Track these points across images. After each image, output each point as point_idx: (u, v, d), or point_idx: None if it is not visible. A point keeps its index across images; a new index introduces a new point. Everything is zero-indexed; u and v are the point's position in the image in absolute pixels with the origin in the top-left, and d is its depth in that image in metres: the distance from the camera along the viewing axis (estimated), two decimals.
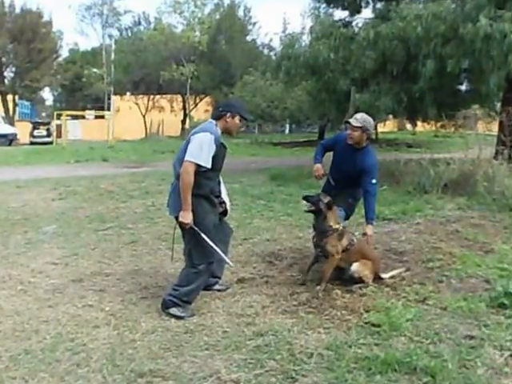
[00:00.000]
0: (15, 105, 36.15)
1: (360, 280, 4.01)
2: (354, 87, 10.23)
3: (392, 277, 4.20)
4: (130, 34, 37.18)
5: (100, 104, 36.72)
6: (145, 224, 6.39)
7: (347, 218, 4.59)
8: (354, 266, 4.00)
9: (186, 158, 3.33)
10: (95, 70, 33.71)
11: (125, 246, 5.36)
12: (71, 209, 7.42)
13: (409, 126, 32.26)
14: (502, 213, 6.72)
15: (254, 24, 38.27)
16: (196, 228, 3.39)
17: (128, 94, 34.72)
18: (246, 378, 2.63)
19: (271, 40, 36.50)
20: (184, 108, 34.69)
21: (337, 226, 4.01)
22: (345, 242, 4.01)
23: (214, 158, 3.39)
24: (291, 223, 6.34)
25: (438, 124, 17.08)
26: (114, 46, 34.45)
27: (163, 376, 2.67)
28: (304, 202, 4.17)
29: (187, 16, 30.38)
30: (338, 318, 3.42)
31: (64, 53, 43.82)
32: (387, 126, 31.96)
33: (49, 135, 27.62)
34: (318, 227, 4.05)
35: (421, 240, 5.48)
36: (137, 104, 33.93)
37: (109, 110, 33.47)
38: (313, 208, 4.05)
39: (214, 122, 3.55)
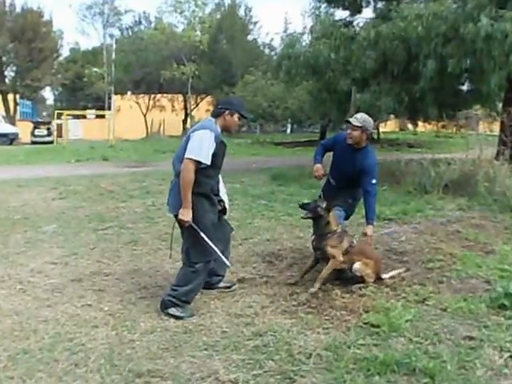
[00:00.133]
0: (16, 104, 36.17)
1: (362, 279, 4.00)
2: (354, 87, 10.23)
3: (392, 277, 4.18)
4: (130, 34, 37.27)
5: (101, 103, 36.75)
6: (145, 224, 6.38)
7: (347, 217, 4.59)
8: (356, 265, 4.00)
9: (186, 156, 3.31)
10: (96, 69, 33.72)
11: (124, 245, 5.35)
12: (71, 208, 7.42)
13: (410, 126, 32.29)
14: (503, 213, 6.71)
15: (255, 24, 38.38)
16: (195, 226, 3.38)
17: (129, 93, 34.77)
18: (244, 379, 2.62)
19: (272, 40, 36.60)
20: (185, 107, 34.72)
21: (335, 228, 4.00)
22: (345, 243, 4.00)
23: (214, 155, 3.37)
24: (292, 223, 6.33)
25: (440, 124, 17.09)
26: (114, 46, 34.43)
27: (161, 376, 2.66)
28: (302, 209, 4.15)
29: (188, 15, 30.42)
30: (337, 318, 3.41)
31: (65, 52, 43.97)
32: (389, 126, 31.97)
33: (49, 135, 27.61)
34: (319, 231, 4.04)
35: (421, 240, 5.47)
36: (137, 103, 33.95)
37: (109, 109, 33.47)
38: (311, 215, 4.04)
39: (213, 119, 3.53)
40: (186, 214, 3.34)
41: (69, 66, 40.86)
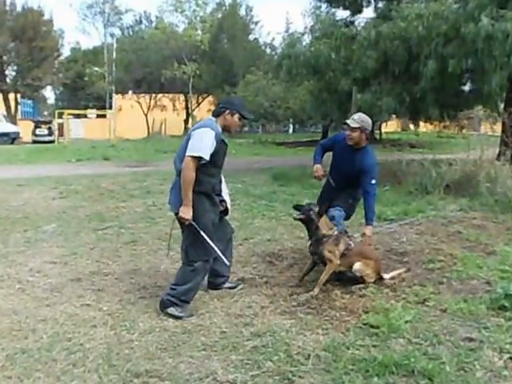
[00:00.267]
0: (17, 103, 36.18)
1: (362, 279, 3.99)
2: (355, 87, 10.21)
3: (392, 278, 4.17)
4: (131, 33, 37.28)
5: (102, 103, 36.77)
6: (145, 224, 6.37)
7: (348, 218, 4.58)
8: (357, 265, 3.98)
9: (187, 154, 3.33)
10: (97, 68, 33.72)
11: (124, 245, 5.34)
12: (71, 208, 7.42)
13: (412, 127, 32.29)
14: (504, 214, 6.69)
15: (256, 23, 38.37)
16: (195, 225, 3.39)
17: (130, 92, 34.76)
18: (242, 379, 2.61)
19: (273, 39, 36.58)
20: (187, 107, 34.72)
21: (330, 232, 3.99)
22: (342, 246, 3.99)
23: (214, 154, 3.38)
24: (292, 223, 6.26)
25: (441, 125, 17.09)
26: (115, 45, 34.48)
27: (159, 376, 2.65)
28: (295, 210, 4.15)
29: (189, 15, 30.43)
30: (336, 318, 3.39)
31: (66, 51, 44.02)
32: (391, 127, 32.01)
33: (50, 134, 27.65)
34: (312, 236, 4.04)
35: (422, 241, 5.45)
36: (139, 103, 33.95)
37: (111, 108, 33.49)
38: (302, 217, 4.03)
39: (213, 118, 3.54)
40: (187, 212, 3.35)
41: (70, 66, 40.89)
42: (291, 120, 35.83)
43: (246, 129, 35.53)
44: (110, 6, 36.05)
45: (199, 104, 35.24)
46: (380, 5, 11.95)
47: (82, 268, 4.55)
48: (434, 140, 24.44)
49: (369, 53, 9.73)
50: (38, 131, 28.06)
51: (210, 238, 3.44)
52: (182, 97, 35.20)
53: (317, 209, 4.01)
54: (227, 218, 3.94)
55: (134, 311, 3.53)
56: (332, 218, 4.19)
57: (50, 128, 28.16)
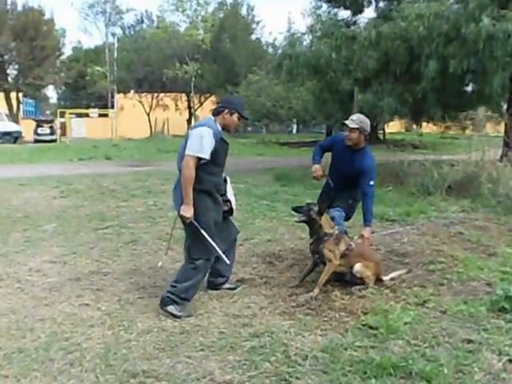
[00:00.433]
0: (19, 103, 36.22)
1: (362, 281, 3.97)
2: (356, 87, 10.20)
3: (392, 279, 4.15)
4: (132, 33, 37.33)
5: (104, 102, 36.82)
6: (146, 223, 6.37)
7: (348, 218, 4.57)
8: (357, 266, 3.97)
9: (186, 153, 3.37)
10: (98, 68, 33.76)
11: (124, 245, 5.33)
12: (72, 207, 7.42)
13: (415, 127, 32.17)
14: (506, 215, 6.66)
15: (258, 23, 38.37)
16: (196, 223, 3.40)
17: (132, 91, 34.80)
18: (239, 380, 2.60)
19: (275, 39, 36.51)
20: (189, 107, 34.72)
21: (331, 231, 3.98)
22: (342, 246, 3.97)
23: (215, 152, 3.40)
24: (293, 224, 6.27)
25: (444, 125, 17.05)
26: (116, 44, 34.55)
27: (156, 377, 2.64)
28: (295, 213, 4.14)
29: (190, 14, 30.44)
30: (335, 319, 3.38)
31: (67, 51, 44.09)
32: (395, 127, 31.92)
33: (52, 133, 27.70)
34: (314, 235, 4.02)
35: (423, 242, 5.43)
36: (141, 102, 33.97)
37: (112, 108, 33.54)
38: (305, 218, 4.02)
39: (213, 117, 3.57)
40: (187, 211, 3.37)
41: (71, 65, 40.93)
42: (295, 120, 35.80)
43: (249, 129, 35.53)
44: (112, 5, 36.17)
45: (202, 104, 35.25)
46: (381, 4, 11.93)
47: (81, 267, 4.54)
48: (437, 141, 24.34)
49: (370, 53, 9.72)
50: (39, 130, 28.12)
51: (211, 237, 3.45)
52: (184, 96, 35.21)
53: (316, 208, 4.00)
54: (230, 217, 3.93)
55: (132, 311, 3.53)
56: (332, 219, 4.17)
57: (51, 127, 28.22)
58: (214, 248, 3.49)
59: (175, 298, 3.46)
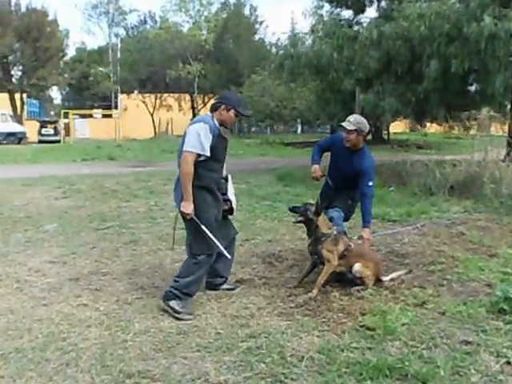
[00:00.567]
0: (23, 103, 36.39)
1: (361, 281, 3.95)
2: (358, 87, 10.17)
3: (392, 279, 4.13)
4: (135, 33, 37.47)
5: (107, 102, 36.94)
6: (146, 224, 6.37)
7: (347, 219, 4.55)
8: (356, 266, 3.95)
9: (184, 149, 3.39)
10: (101, 68, 33.89)
11: (124, 245, 5.34)
12: (74, 207, 7.44)
13: (419, 127, 32.04)
14: (509, 216, 6.61)
15: (261, 23, 38.42)
16: (196, 219, 3.41)
17: (135, 92, 34.89)
18: (234, 381, 2.59)
19: (279, 39, 36.50)
20: (193, 107, 34.77)
21: (329, 231, 3.96)
22: (341, 247, 3.95)
23: (213, 148, 3.42)
24: (294, 224, 6.27)
25: (447, 125, 16.97)
26: (120, 45, 34.65)
27: (151, 377, 2.64)
28: (292, 212, 4.12)
29: (193, 14, 30.51)
30: (333, 320, 3.36)
31: (71, 52, 44.29)
32: (399, 127, 31.82)
33: (56, 134, 27.84)
34: (312, 235, 4.01)
35: (424, 242, 5.40)
36: (144, 102, 34.06)
37: (116, 108, 33.62)
38: (302, 218, 4.01)
39: (210, 114, 3.59)
40: (187, 207, 3.38)
41: (75, 66, 41.13)
42: (299, 120, 35.78)
43: (253, 129, 35.54)
44: (115, 6, 36.35)
45: (205, 104, 35.26)
46: (382, 4, 11.90)
47: (80, 268, 4.55)
48: (441, 141, 24.28)
49: (371, 53, 9.69)
50: (43, 131, 28.26)
51: (212, 233, 3.46)
52: (187, 97, 35.27)
53: (313, 207, 3.98)
54: (231, 217, 3.93)
55: (130, 311, 3.53)
56: (331, 219, 4.16)
57: (55, 128, 28.37)
58: (216, 243, 3.50)
59: (177, 293, 3.48)
